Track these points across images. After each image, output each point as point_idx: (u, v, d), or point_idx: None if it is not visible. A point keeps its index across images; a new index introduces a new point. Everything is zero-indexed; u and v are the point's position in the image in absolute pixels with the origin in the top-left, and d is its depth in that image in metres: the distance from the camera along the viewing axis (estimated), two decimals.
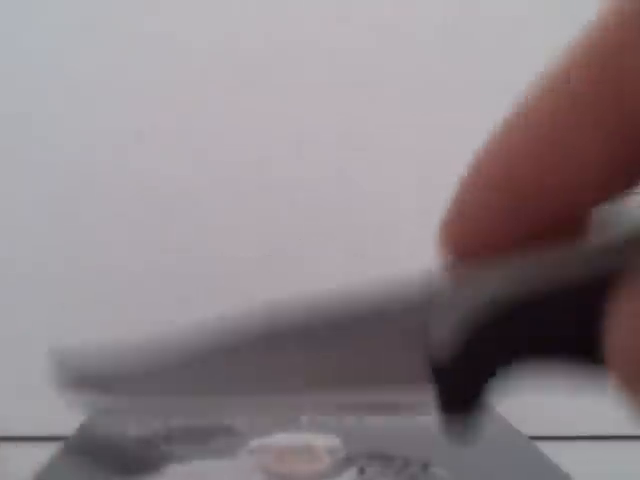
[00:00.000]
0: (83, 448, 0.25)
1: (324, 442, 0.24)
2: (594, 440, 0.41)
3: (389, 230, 0.41)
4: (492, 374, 0.11)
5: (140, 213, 0.40)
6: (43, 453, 0.25)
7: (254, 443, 0.24)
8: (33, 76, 0.40)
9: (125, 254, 0.40)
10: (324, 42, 0.40)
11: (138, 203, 0.40)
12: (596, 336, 0.10)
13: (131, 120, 0.40)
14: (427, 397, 0.11)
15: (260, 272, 0.41)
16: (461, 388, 0.11)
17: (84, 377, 0.13)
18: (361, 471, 0.23)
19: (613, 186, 0.12)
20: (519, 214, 0.12)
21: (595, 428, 0.41)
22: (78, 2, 0.40)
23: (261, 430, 0.25)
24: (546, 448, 0.26)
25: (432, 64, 0.40)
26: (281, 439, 0.24)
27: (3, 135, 0.40)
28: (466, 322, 0.11)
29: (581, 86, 0.11)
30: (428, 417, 0.27)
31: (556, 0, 0.39)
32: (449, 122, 0.40)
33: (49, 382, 0.13)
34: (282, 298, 0.12)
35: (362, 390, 0.12)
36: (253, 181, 0.41)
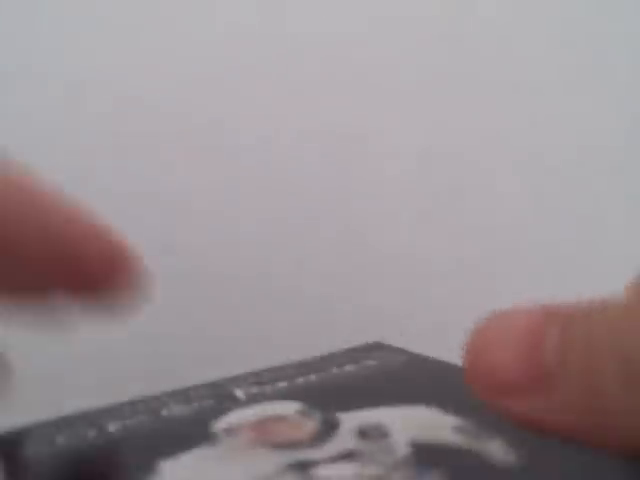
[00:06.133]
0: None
1: (292, 407, 0.22)
2: None
3: (389, 230, 0.41)
4: None
5: (139, 213, 0.40)
6: None
7: (220, 424, 0.21)
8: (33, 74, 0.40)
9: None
10: (324, 40, 0.40)
11: (137, 204, 0.40)
12: None
13: (131, 120, 0.40)
14: None
15: (260, 273, 0.40)
16: None
17: None
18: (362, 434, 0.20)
19: None
20: None
21: None
22: (79, 3, 0.40)
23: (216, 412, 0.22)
24: None
25: (433, 61, 0.40)
26: (248, 414, 0.22)
27: (3, 135, 0.40)
28: None
29: None
30: None
31: (556, 1, 0.38)
32: (450, 120, 0.40)
33: None
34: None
35: None
36: (252, 181, 0.40)
